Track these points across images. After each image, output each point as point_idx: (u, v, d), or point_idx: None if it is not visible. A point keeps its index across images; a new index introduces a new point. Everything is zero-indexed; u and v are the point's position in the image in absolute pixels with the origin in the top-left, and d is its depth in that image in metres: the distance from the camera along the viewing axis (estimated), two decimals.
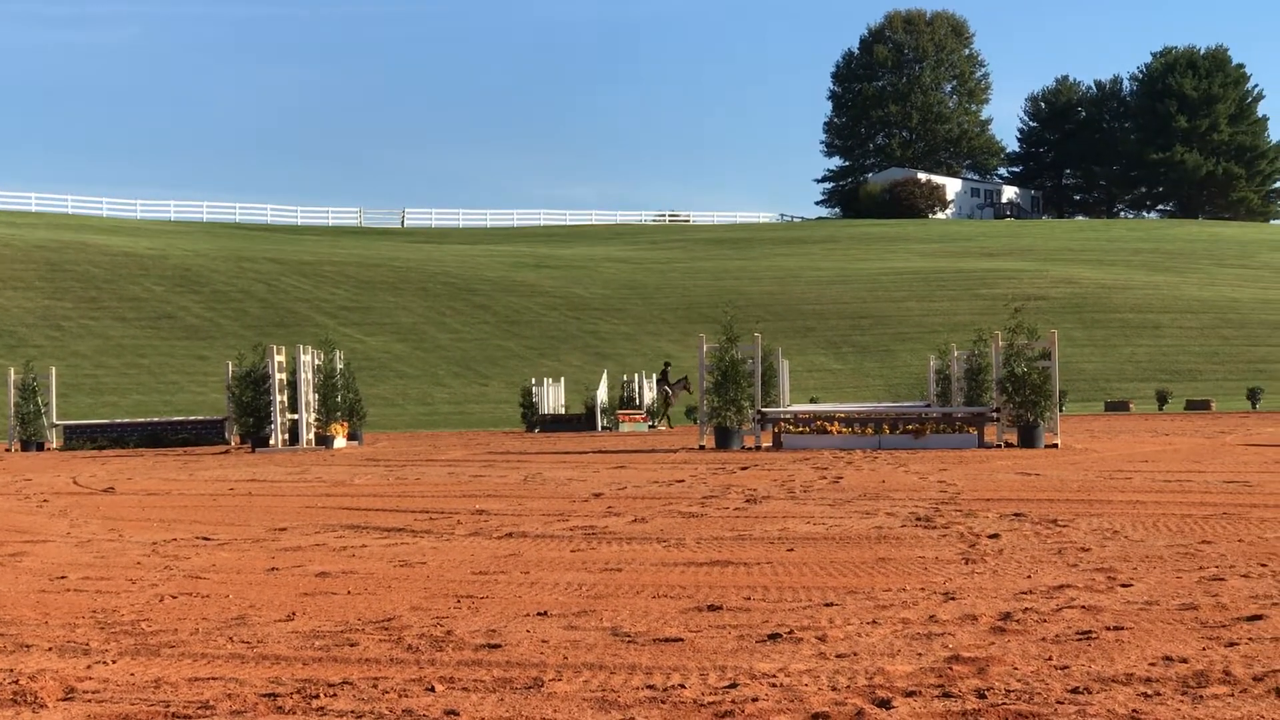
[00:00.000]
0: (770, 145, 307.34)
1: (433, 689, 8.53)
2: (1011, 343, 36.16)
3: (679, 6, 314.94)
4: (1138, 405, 68.11)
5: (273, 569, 14.17)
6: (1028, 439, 35.32)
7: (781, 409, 41.12)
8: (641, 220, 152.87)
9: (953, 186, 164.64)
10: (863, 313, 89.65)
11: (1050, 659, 9.27)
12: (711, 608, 11.35)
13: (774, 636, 10.09)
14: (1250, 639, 9.87)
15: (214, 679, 8.93)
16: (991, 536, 15.86)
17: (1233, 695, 8.26)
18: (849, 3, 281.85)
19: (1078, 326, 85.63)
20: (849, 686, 8.52)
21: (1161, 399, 67.69)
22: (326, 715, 7.97)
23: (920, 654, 9.48)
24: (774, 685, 8.56)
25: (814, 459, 31.61)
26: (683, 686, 8.55)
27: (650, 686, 8.57)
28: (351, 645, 9.99)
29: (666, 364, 64.97)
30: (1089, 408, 68.68)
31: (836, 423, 37.05)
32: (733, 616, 10.97)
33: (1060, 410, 57.26)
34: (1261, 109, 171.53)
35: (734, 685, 8.56)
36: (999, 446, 35.50)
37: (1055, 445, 35.10)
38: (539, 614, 11.17)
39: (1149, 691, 8.36)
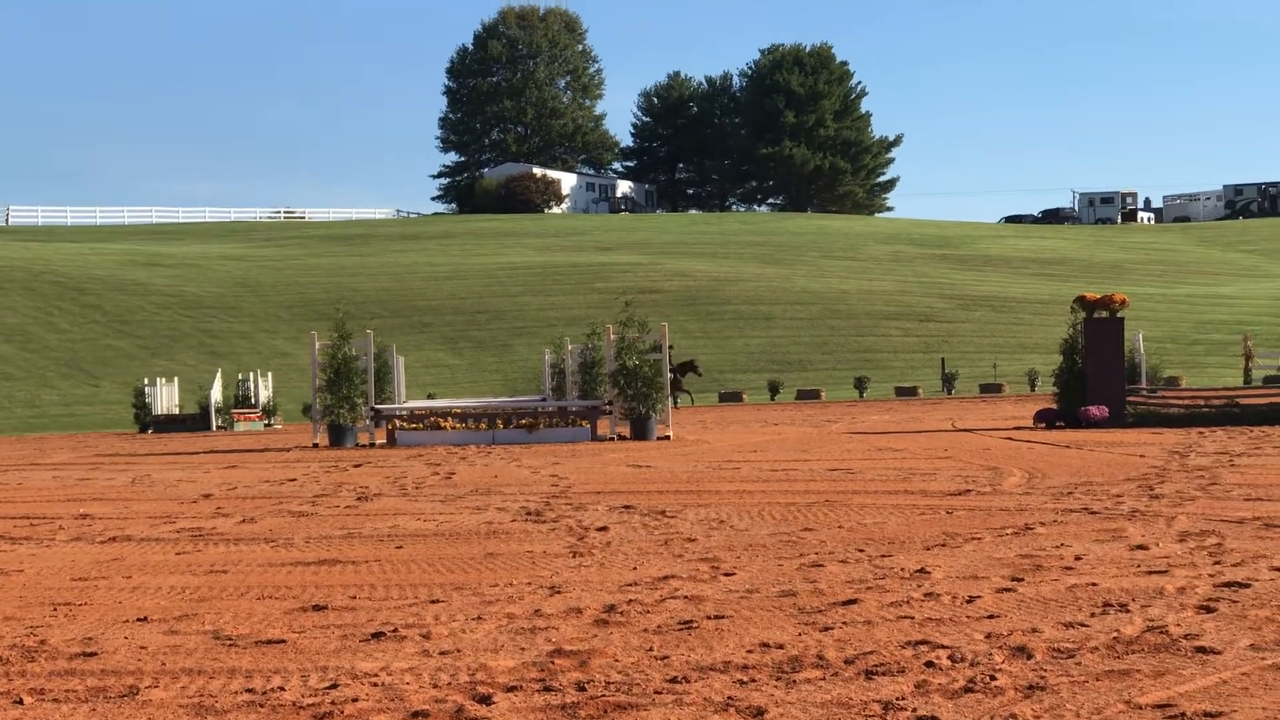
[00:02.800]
0: (386, 141, 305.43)
1: (21, 701, 8.28)
2: (623, 336, 36.57)
3: (293, 2, 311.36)
4: (751, 395, 69.33)
5: None
6: (640, 431, 35.76)
7: (397, 405, 40.95)
8: (256, 217, 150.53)
9: (568, 181, 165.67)
10: (480, 308, 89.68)
11: (651, 649, 9.39)
12: (317, 608, 11.25)
13: (378, 635, 10.04)
14: (844, 623, 10.14)
15: None
16: (600, 529, 16.02)
17: (824, 679, 8.47)
18: None
19: (692, 319, 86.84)
20: (450, 683, 8.52)
21: (773, 389, 69.03)
22: None
23: (524, 648, 9.52)
24: (375, 685, 8.51)
25: (428, 455, 31.55)
26: (282, 689, 8.45)
27: (250, 690, 8.45)
28: None
29: (669, 348, 64.39)
30: (704, 399, 69.78)
31: (450, 418, 37.07)
32: (338, 616, 10.89)
33: (675, 402, 57.85)
34: (864, 105, 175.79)
35: (335, 686, 8.50)
36: (612, 439, 35.88)
37: (667, 437, 35.61)
38: (139, 620, 10.93)
39: (745, 678, 8.53)
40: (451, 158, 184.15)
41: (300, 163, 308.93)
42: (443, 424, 36.76)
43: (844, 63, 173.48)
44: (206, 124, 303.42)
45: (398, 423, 37.21)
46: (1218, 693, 7.96)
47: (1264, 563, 12.33)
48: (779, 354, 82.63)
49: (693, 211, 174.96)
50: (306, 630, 10.32)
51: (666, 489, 20.97)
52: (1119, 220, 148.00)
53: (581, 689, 8.32)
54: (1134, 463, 23.37)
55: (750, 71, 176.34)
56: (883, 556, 13.27)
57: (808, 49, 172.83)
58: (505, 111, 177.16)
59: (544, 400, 45.68)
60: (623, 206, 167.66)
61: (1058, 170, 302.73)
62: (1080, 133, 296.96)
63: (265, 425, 56.76)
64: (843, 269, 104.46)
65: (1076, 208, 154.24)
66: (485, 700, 8.09)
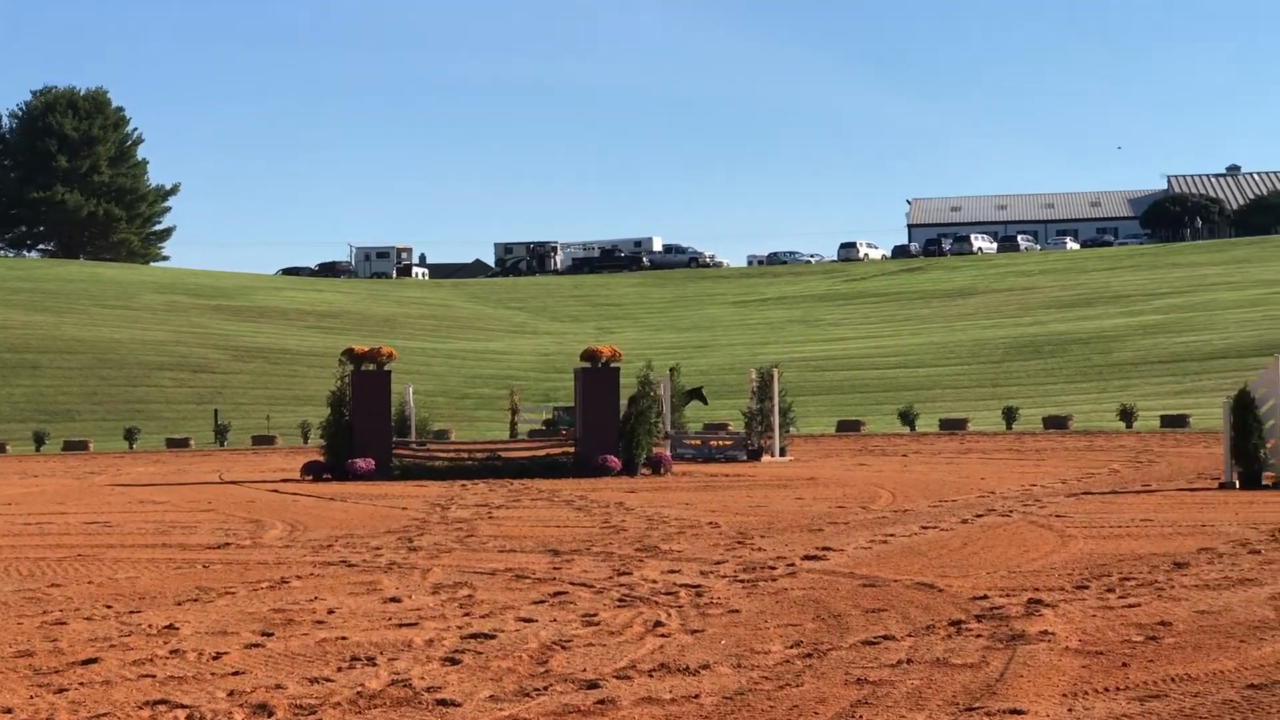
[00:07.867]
0: None
1: None
2: None
3: None
4: (16, 447, 66.97)
5: None
6: None
7: None
8: None
9: None
10: None
11: None
12: None
13: None
14: (82, 684, 9.81)
15: None
16: None
17: None
18: None
19: None
20: None
21: (39, 440, 66.95)
22: None
23: None
24: None
25: None
26: None
27: None
28: None
29: (671, 370, 58.40)
30: None
31: None
32: None
33: None
34: (141, 152, 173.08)
35: None
36: None
37: None
38: None
39: None
40: None
41: None
42: None
43: (120, 108, 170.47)
44: None
45: None
46: None
47: (511, 613, 12.58)
48: (46, 404, 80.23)
49: None
50: None
51: None
52: (394, 275, 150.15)
53: None
54: (396, 515, 23.62)
55: (21, 112, 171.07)
56: (131, 613, 12.93)
57: (82, 92, 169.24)
58: None
59: None
60: None
61: (335, 224, 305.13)
62: (357, 188, 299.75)
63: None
64: (115, 318, 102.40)
65: (353, 262, 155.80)
66: None
